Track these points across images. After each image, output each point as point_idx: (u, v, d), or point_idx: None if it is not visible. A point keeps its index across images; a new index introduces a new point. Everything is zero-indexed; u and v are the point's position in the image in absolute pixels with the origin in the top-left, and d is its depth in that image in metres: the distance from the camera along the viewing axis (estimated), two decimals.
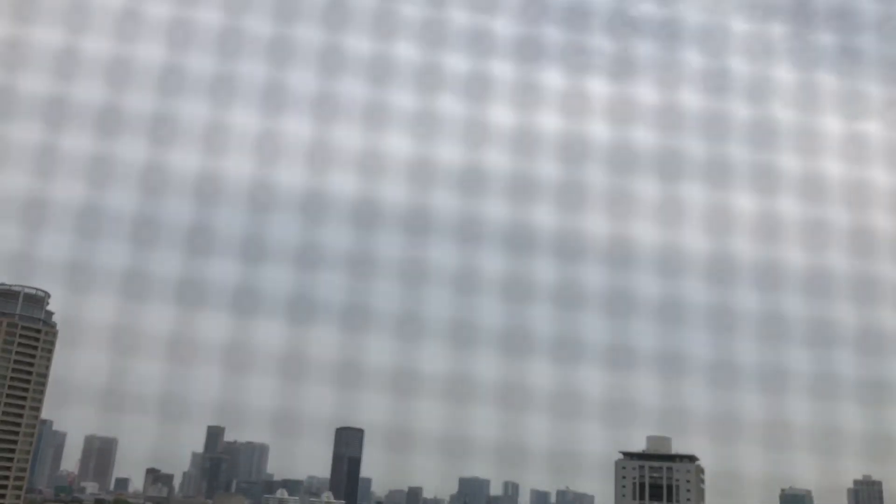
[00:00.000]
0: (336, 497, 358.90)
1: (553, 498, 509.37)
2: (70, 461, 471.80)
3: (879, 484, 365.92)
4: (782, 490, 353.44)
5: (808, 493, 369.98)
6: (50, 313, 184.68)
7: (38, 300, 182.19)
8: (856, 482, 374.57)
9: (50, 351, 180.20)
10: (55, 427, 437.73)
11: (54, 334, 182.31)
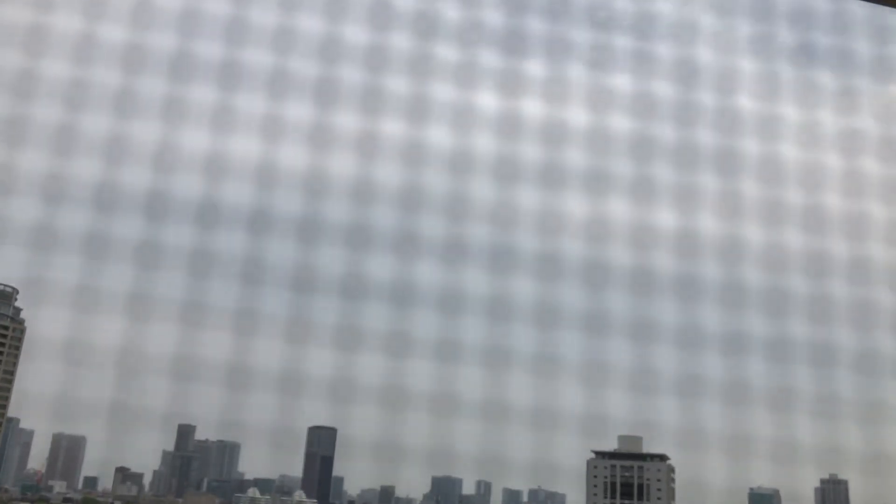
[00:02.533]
0: (308, 496, 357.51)
1: (525, 497, 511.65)
2: (37, 459, 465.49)
3: (846, 483, 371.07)
4: (750, 489, 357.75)
5: (776, 492, 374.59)
6: (18, 310, 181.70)
7: (5, 296, 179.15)
8: (822, 481, 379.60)
9: (17, 348, 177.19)
10: (22, 425, 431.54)
11: (22, 331, 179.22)
